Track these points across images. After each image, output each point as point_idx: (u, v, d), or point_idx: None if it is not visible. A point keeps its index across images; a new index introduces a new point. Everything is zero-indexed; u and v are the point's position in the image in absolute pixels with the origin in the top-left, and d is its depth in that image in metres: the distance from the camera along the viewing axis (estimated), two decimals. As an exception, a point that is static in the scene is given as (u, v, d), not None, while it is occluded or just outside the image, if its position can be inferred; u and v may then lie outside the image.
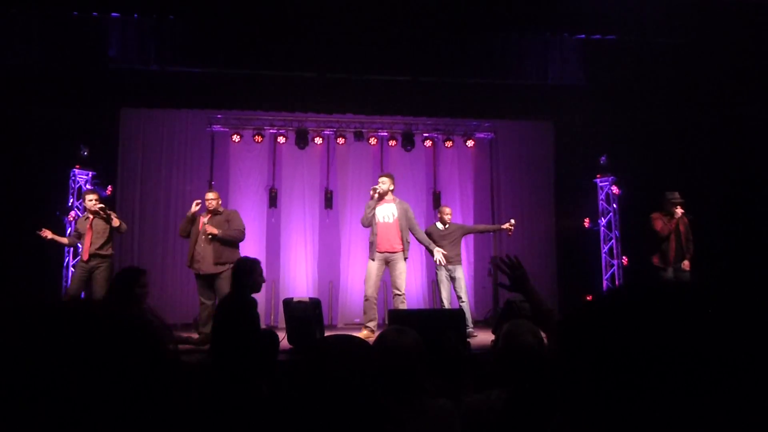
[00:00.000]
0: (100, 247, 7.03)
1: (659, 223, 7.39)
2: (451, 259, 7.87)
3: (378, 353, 2.16)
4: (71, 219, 8.73)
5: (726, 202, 8.40)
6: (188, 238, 7.21)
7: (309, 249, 9.99)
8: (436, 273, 8.03)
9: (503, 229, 8.25)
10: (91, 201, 7.09)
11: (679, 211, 7.36)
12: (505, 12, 7.87)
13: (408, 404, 2.08)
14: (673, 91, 8.37)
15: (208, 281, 6.99)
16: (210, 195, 7.26)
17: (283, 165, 10.17)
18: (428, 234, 8.00)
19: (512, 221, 8.21)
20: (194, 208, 7.11)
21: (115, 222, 7.08)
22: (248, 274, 4.82)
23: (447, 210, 8.32)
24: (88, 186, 8.93)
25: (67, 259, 8.66)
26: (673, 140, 8.64)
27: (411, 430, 2.06)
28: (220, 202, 7.32)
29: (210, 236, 6.94)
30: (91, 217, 7.14)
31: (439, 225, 8.16)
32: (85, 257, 7.02)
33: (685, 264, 7.44)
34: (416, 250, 10.13)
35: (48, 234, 7.11)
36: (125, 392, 0.60)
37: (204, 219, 7.17)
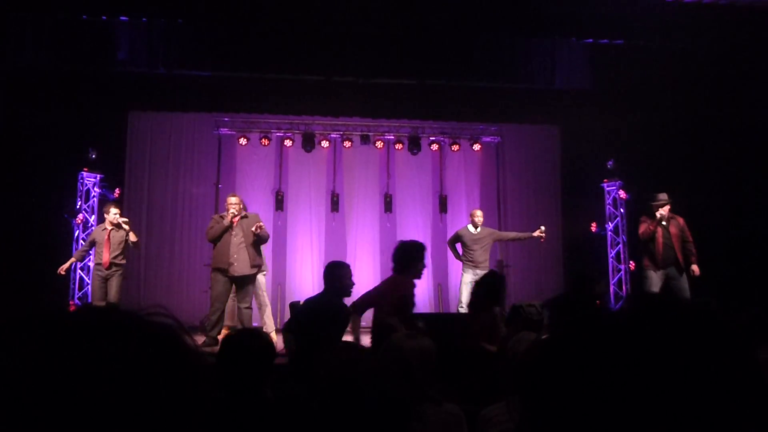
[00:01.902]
0: (116, 257, 7.37)
1: (642, 227, 7.36)
2: (481, 264, 7.80)
3: (383, 358, 2.19)
4: (79, 222, 8.77)
5: (733, 206, 8.36)
6: (214, 242, 7.19)
7: (315, 252, 10.00)
8: (462, 275, 7.92)
9: (534, 236, 8.15)
10: (116, 214, 7.44)
11: (661, 213, 7.26)
12: (513, 16, 7.87)
13: (413, 407, 2.05)
14: (680, 95, 8.35)
15: (238, 283, 7.06)
16: (233, 199, 7.23)
17: (290, 168, 10.18)
18: (459, 237, 7.98)
19: (542, 228, 8.08)
20: (233, 219, 7.08)
21: (133, 238, 7.42)
22: (340, 278, 4.76)
23: (478, 213, 8.21)
24: (100, 191, 9.04)
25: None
26: (681, 144, 8.61)
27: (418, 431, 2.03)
28: (242, 206, 7.31)
29: (256, 236, 6.99)
30: (109, 228, 7.41)
31: (471, 228, 8.09)
32: (106, 265, 7.33)
33: (694, 269, 7.22)
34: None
35: (63, 269, 7.53)
36: (153, 396, 0.61)
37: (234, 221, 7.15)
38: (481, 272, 7.49)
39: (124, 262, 7.50)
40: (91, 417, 0.57)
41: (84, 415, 0.57)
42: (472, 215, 8.28)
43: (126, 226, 7.43)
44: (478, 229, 8.04)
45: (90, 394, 0.57)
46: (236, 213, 7.10)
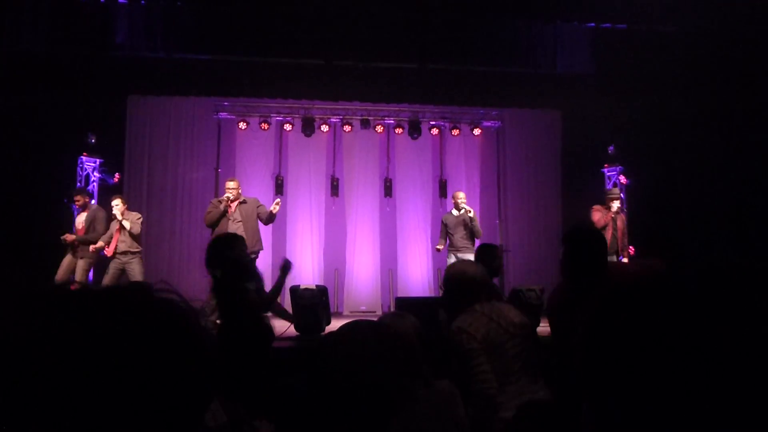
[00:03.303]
0: (130, 245, 7.55)
1: (597, 215, 7.76)
2: (462, 249, 7.74)
3: (377, 338, 2.16)
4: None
5: (735, 191, 8.35)
6: (211, 227, 7.19)
7: (315, 237, 10.01)
8: (447, 260, 7.90)
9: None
10: (117, 206, 7.56)
11: (615, 205, 7.72)
12: (515, -1, 7.82)
13: (408, 389, 2.08)
14: (682, 80, 8.30)
15: None
16: (231, 184, 7.22)
17: (290, 152, 10.17)
18: (444, 223, 7.95)
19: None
20: (231, 204, 7.08)
21: (127, 226, 7.49)
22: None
23: (459, 195, 8.08)
24: (100, 175, 9.07)
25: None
26: (682, 130, 8.58)
27: (413, 413, 2.08)
28: (239, 191, 7.31)
29: (271, 216, 7.17)
30: (119, 218, 7.59)
31: (454, 212, 8.01)
32: (109, 254, 7.51)
33: (621, 260, 7.67)
34: (421, 237, 10.14)
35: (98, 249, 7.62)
36: (161, 369, 0.62)
37: (231, 206, 7.14)
38: (461, 256, 7.46)
39: (139, 249, 7.65)
40: (101, 389, 0.58)
41: (94, 387, 0.58)
42: (453, 197, 8.18)
43: (119, 216, 7.50)
44: (461, 212, 7.86)
45: (101, 367, 0.58)
46: (233, 197, 7.10)
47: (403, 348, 2.08)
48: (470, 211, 7.83)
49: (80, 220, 7.84)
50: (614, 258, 7.61)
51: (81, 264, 7.65)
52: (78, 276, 7.64)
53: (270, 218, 7.24)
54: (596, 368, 0.65)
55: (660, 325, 0.61)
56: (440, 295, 3.38)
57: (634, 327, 0.62)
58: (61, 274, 7.53)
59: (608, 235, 7.61)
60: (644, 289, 0.65)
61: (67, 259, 7.72)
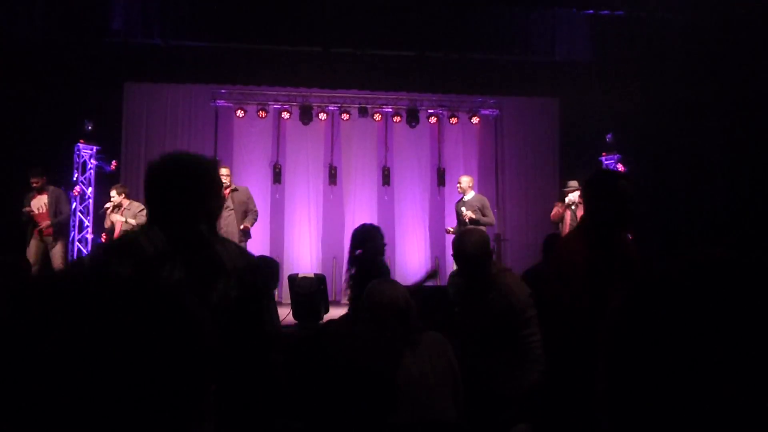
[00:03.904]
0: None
1: (554, 210, 8.09)
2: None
3: (373, 299, 2.53)
4: (76, 194, 8.76)
5: (733, 180, 8.36)
6: None
7: (313, 225, 10.01)
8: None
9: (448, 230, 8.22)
10: (114, 198, 7.60)
11: (571, 198, 7.87)
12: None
13: (405, 338, 2.53)
14: (681, 68, 8.28)
15: None
16: (223, 171, 7.07)
17: (287, 141, 10.14)
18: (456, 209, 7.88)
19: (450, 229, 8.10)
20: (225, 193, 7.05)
21: (132, 221, 7.41)
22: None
23: (462, 179, 7.98)
24: (97, 163, 9.04)
25: (72, 233, 8.69)
26: (681, 118, 8.57)
27: (412, 357, 2.48)
28: (231, 178, 7.32)
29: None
30: (122, 208, 7.60)
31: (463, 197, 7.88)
32: None
33: None
34: (420, 226, 10.15)
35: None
36: (156, 351, 0.62)
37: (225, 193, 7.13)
38: None
39: None
40: (96, 369, 0.58)
41: (89, 369, 0.58)
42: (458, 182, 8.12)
43: (114, 207, 7.55)
44: (466, 197, 7.77)
45: (99, 349, 0.59)
46: (225, 185, 7.12)
47: (395, 312, 2.47)
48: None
49: (39, 203, 7.55)
50: None
51: (58, 249, 7.47)
52: (56, 262, 7.42)
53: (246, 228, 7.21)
54: (629, 357, 0.62)
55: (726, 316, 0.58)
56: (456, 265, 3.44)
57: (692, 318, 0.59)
58: (33, 262, 6.91)
59: (565, 228, 7.84)
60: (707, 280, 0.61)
61: (35, 244, 7.44)
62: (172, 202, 1.75)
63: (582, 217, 2.92)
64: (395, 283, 2.76)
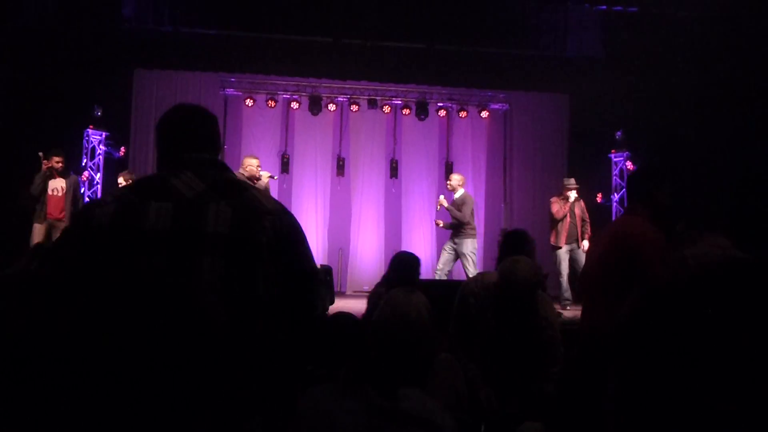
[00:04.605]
0: None
1: (555, 207, 8.00)
2: (454, 234, 7.63)
3: (389, 315, 2.15)
4: (84, 179, 8.79)
5: (744, 179, 8.28)
6: None
7: (320, 216, 10.02)
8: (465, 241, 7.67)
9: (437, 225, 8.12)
10: (121, 184, 7.44)
11: (572, 195, 7.96)
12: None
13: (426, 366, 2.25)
14: (693, 65, 8.21)
15: None
16: (254, 161, 6.89)
17: (296, 131, 10.14)
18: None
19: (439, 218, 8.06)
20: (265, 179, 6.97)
21: None
22: None
23: (452, 177, 8.02)
24: (106, 149, 9.06)
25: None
26: (691, 116, 8.50)
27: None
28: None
29: None
30: None
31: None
32: None
33: (583, 245, 7.85)
34: (427, 219, 10.14)
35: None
36: None
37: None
38: (458, 240, 7.56)
39: None
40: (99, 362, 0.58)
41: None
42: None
43: None
44: (456, 195, 7.80)
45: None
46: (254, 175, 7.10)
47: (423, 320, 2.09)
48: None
49: (59, 184, 7.41)
50: (575, 246, 7.88)
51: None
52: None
53: None
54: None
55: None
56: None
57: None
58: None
59: (566, 224, 7.91)
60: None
61: (39, 227, 7.21)
62: (202, 143, 1.73)
63: (646, 209, 2.89)
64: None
